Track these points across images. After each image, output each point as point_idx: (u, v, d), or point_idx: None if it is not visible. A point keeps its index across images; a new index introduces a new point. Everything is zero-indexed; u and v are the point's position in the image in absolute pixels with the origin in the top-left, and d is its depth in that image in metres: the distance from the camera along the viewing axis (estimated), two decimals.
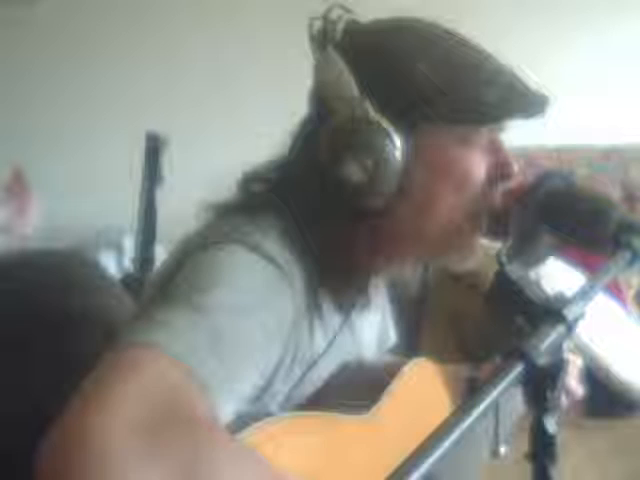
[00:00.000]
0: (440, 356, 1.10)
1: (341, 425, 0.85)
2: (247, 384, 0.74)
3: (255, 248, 0.82)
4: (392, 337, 1.18)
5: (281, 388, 0.85)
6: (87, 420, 0.58)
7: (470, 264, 0.98)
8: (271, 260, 0.83)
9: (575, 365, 1.13)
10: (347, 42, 0.93)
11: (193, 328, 0.70)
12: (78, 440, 0.56)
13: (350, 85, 0.90)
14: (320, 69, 0.94)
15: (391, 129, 0.89)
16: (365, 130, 0.89)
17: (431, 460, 0.54)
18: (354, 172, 0.89)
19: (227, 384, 0.70)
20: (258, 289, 0.80)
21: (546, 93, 0.94)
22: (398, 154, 0.89)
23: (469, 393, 1.10)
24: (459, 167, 0.92)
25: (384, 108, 0.89)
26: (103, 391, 0.61)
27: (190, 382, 0.65)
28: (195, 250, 0.84)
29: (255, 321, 0.77)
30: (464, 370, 1.16)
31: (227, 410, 0.70)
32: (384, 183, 0.89)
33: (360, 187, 0.89)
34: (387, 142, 0.89)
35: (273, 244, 0.85)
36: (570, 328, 0.72)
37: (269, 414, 0.77)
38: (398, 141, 0.89)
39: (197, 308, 0.73)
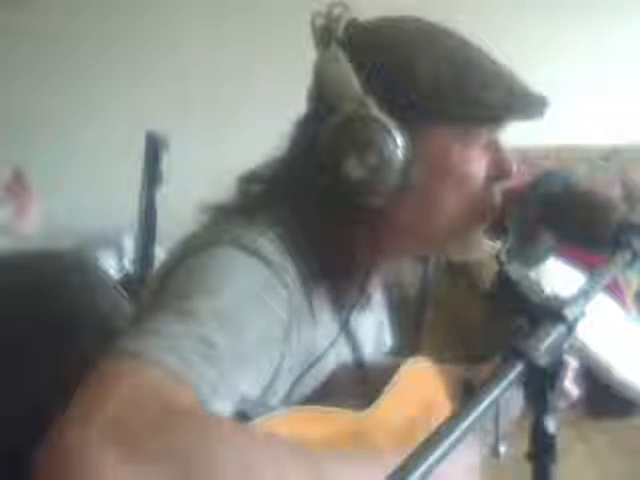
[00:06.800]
0: (440, 356, 1.10)
1: (340, 421, 0.85)
2: (243, 386, 0.74)
3: (249, 249, 0.82)
4: (387, 341, 1.18)
5: (281, 387, 0.85)
6: (69, 436, 0.59)
7: (472, 256, 0.99)
8: (266, 261, 0.82)
9: (570, 367, 1.13)
10: (349, 40, 0.93)
11: (183, 334, 0.70)
12: (61, 458, 0.58)
13: (352, 83, 0.90)
14: (321, 67, 0.94)
15: (393, 127, 0.89)
16: (367, 128, 0.89)
17: (431, 460, 0.54)
18: (356, 170, 0.89)
19: (220, 386, 0.70)
20: (251, 291, 0.80)
21: (545, 95, 0.95)
22: (400, 152, 0.89)
23: (467, 393, 1.10)
24: (460, 165, 0.93)
25: (386, 106, 0.89)
26: (87, 406, 0.61)
27: (180, 386, 0.65)
28: (190, 253, 0.84)
29: (247, 323, 0.77)
30: (463, 370, 1.16)
31: (223, 411, 0.70)
32: (386, 181, 0.89)
33: (362, 185, 0.89)
34: (389, 140, 0.89)
35: (268, 245, 0.85)
36: (570, 328, 0.72)
37: (269, 409, 0.77)
38: (400, 139, 0.89)
39: (188, 312, 0.72)
